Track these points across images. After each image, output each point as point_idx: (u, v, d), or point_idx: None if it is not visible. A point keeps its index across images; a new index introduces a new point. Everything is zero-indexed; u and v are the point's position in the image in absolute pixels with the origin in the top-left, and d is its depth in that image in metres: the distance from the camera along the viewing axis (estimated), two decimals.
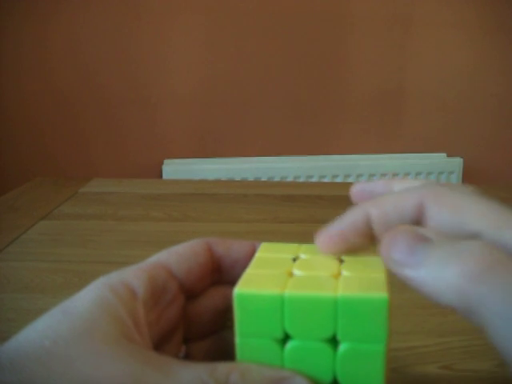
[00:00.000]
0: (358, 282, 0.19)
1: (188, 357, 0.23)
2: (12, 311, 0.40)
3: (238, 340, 0.19)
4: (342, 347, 0.19)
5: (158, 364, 0.17)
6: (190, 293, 0.23)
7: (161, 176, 1.37)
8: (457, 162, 1.45)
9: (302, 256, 0.22)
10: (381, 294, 0.18)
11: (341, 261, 0.22)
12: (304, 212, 0.67)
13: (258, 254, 0.23)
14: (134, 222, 0.62)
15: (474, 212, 0.18)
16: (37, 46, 1.33)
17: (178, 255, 0.23)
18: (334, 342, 0.19)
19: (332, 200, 0.72)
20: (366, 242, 0.21)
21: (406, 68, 1.43)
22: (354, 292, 0.18)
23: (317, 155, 1.45)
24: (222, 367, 0.17)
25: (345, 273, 0.20)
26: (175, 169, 1.36)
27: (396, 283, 0.19)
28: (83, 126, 1.39)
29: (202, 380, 0.17)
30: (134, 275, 0.21)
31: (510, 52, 1.44)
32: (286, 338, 0.19)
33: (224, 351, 0.23)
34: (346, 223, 0.21)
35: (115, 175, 1.39)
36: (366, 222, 0.20)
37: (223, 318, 0.24)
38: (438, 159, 1.47)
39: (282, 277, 0.20)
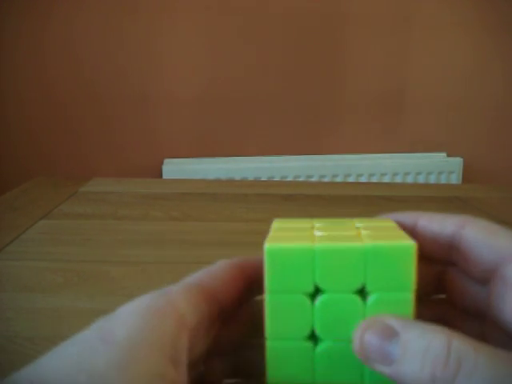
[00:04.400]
0: (383, 235, 0.20)
1: (205, 372, 0.23)
2: (11, 311, 0.39)
3: (267, 297, 0.19)
4: (372, 297, 0.19)
5: None
6: (224, 317, 0.22)
7: (161, 176, 1.37)
8: (457, 162, 1.45)
9: (318, 225, 0.23)
10: (409, 241, 0.19)
11: (356, 228, 0.22)
12: (304, 212, 0.67)
13: (274, 225, 0.23)
14: (134, 221, 0.62)
15: (505, 239, 0.20)
16: (36, 46, 1.33)
17: (222, 282, 0.22)
18: (363, 293, 0.19)
19: (332, 199, 0.72)
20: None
21: (407, 68, 1.43)
22: (383, 241, 0.19)
23: (317, 155, 1.45)
24: None
25: (365, 232, 0.21)
26: (175, 168, 1.36)
27: None
28: (83, 126, 1.39)
29: None
30: (183, 299, 0.19)
31: (510, 52, 1.44)
32: (316, 292, 0.19)
33: (242, 368, 0.23)
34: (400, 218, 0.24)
35: (115, 175, 1.39)
36: (414, 224, 0.23)
37: (243, 335, 0.23)
38: (438, 159, 1.47)
39: (308, 235, 0.20)
